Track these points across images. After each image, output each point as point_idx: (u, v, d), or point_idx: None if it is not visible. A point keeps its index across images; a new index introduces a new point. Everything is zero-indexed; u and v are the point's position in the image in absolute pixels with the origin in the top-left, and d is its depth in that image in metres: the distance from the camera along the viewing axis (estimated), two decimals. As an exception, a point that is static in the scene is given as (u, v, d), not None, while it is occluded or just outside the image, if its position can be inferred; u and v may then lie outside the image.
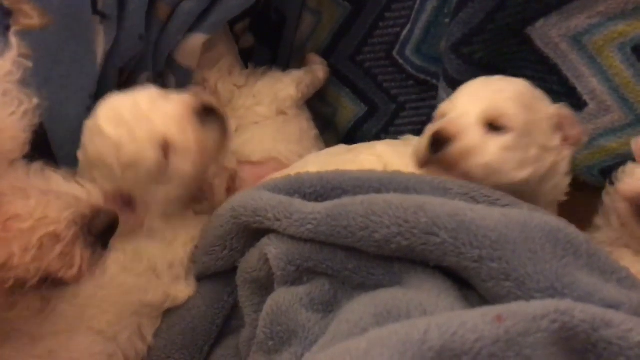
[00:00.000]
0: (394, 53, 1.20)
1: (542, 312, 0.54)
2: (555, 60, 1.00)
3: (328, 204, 0.76)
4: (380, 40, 1.21)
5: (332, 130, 1.32)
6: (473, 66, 1.03)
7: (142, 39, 1.02)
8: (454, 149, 0.80)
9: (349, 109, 1.29)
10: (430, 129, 0.84)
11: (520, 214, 0.70)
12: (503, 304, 0.58)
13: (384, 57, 1.21)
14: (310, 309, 0.74)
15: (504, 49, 1.03)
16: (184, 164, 0.83)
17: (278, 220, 0.76)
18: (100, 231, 0.64)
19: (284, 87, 1.20)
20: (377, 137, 1.24)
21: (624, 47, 0.95)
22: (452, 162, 0.80)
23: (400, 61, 1.20)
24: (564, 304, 0.55)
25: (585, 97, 0.99)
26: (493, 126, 0.81)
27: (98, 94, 0.94)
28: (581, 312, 0.54)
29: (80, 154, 0.86)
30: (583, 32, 0.97)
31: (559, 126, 0.87)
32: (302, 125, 1.22)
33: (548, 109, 0.87)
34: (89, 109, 0.93)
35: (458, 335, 0.53)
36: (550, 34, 0.99)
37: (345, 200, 0.76)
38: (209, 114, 0.85)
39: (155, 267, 0.84)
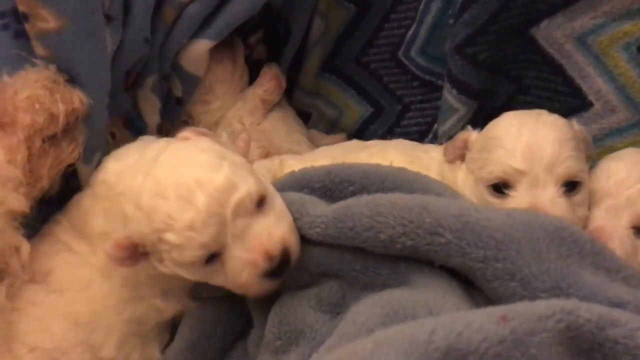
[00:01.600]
0: (399, 54, 1.20)
1: (547, 311, 0.54)
2: (560, 60, 1.00)
3: (335, 207, 0.76)
4: (386, 41, 1.21)
5: (337, 132, 1.32)
6: (477, 67, 1.03)
7: (147, 42, 1.02)
8: None
9: (355, 111, 1.29)
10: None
11: (524, 214, 0.71)
12: (508, 304, 0.58)
13: (389, 58, 1.21)
14: (318, 309, 0.75)
15: (508, 49, 1.03)
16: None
17: None
18: None
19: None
20: (383, 138, 1.24)
21: (630, 47, 0.94)
22: None
23: (406, 62, 1.20)
24: (570, 303, 0.55)
25: (591, 98, 0.99)
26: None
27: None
28: (587, 311, 0.54)
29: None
30: (588, 32, 0.97)
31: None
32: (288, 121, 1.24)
33: None
34: (107, 106, 0.95)
35: (464, 335, 0.53)
36: (555, 34, 0.99)
37: (351, 201, 0.76)
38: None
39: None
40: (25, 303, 0.82)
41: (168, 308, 0.86)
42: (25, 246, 0.82)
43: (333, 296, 0.76)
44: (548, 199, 0.80)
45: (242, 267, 0.71)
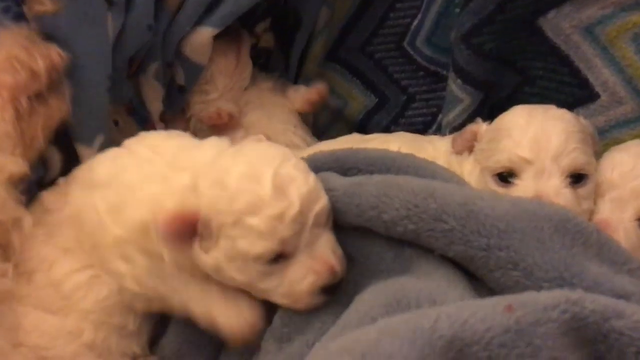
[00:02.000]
0: (405, 44, 1.20)
1: (552, 302, 0.54)
2: (567, 51, 1.00)
3: (346, 181, 0.77)
4: (391, 31, 1.20)
5: (343, 122, 1.32)
6: (482, 57, 1.03)
7: (150, 28, 1.02)
8: None
9: (359, 101, 1.28)
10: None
11: (530, 203, 0.71)
12: (513, 294, 0.58)
13: (394, 48, 1.21)
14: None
15: (515, 40, 1.02)
16: None
17: None
18: None
19: None
20: (388, 128, 1.24)
21: (638, 38, 0.93)
22: None
23: (411, 52, 1.19)
24: (575, 294, 0.55)
25: (598, 89, 0.99)
26: None
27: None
28: (592, 302, 0.54)
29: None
30: (596, 23, 0.96)
31: None
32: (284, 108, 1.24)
33: None
34: (108, 90, 0.94)
35: (468, 324, 0.53)
36: (562, 25, 0.98)
37: (363, 178, 0.77)
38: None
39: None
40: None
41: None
42: (27, 219, 0.81)
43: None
44: (552, 189, 0.80)
45: (305, 275, 0.71)
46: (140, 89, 1.12)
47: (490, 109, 1.09)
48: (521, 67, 1.05)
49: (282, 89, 1.28)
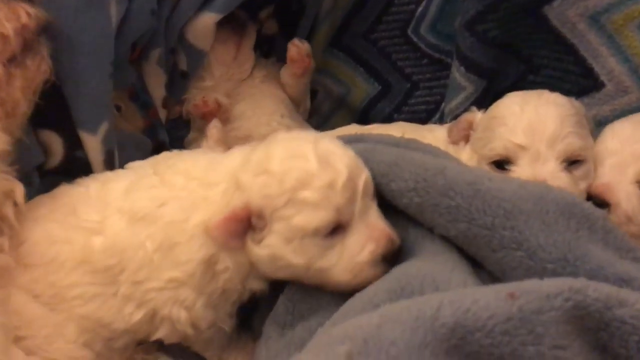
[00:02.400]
0: (409, 31, 1.19)
1: (555, 290, 0.54)
2: (572, 40, 0.99)
3: (360, 147, 0.77)
4: (395, 17, 1.20)
5: (345, 110, 1.31)
6: (487, 44, 1.02)
7: (154, 14, 1.01)
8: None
9: (362, 88, 1.28)
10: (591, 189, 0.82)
11: (537, 186, 0.71)
12: (516, 282, 0.58)
13: (398, 35, 1.20)
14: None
15: (519, 28, 1.01)
16: None
17: None
18: None
19: None
20: (390, 116, 1.24)
21: (645, 27, 0.93)
22: None
23: (415, 39, 1.19)
24: (578, 282, 0.55)
25: (603, 78, 0.98)
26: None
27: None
28: (595, 290, 0.54)
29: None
30: (602, 11, 0.95)
31: None
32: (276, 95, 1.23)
33: None
34: (111, 76, 0.94)
35: (471, 312, 0.53)
36: (568, 13, 0.97)
37: (377, 146, 0.78)
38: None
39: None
40: None
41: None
42: (19, 189, 0.79)
43: None
44: (549, 173, 0.80)
45: (365, 244, 0.71)
46: (143, 75, 1.11)
47: (493, 98, 1.08)
48: (526, 55, 1.05)
49: (276, 76, 1.27)
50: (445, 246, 0.72)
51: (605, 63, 0.97)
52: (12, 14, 0.81)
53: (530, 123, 0.83)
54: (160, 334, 0.79)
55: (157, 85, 1.12)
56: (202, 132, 1.18)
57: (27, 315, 0.77)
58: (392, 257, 0.72)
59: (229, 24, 1.17)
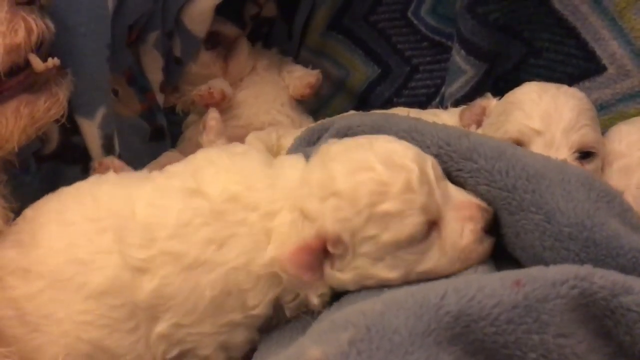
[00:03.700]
0: (409, 13, 1.18)
1: (561, 277, 0.54)
2: (575, 22, 0.98)
3: (377, 116, 0.77)
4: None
5: (344, 93, 1.30)
6: (488, 27, 1.01)
7: (151, -4, 1.00)
8: None
9: (362, 71, 1.26)
10: None
11: (560, 162, 0.72)
12: (522, 269, 0.57)
13: (398, 17, 1.19)
14: None
15: (521, 10, 1.00)
16: None
17: None
18: None
19: None
20: (390, 100, 1.23)
21: (647, 9, 0.92)
22: None
23: (415, 22, 1.17)
24: (584, 269, 0.55)
25: (605, 61, 0.97)
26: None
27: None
28: (601, 278, 0.54)
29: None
30: (604, -7, 0.94)
31: None
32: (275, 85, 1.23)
33: None
34: (107, 59, 0.92)
35: (476, 300, 0.53)
36: (570, -5, 0.96)
37: (395, 115, 0.77)
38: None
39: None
40: None
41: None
42: None
43: None
44: (561, 159, 0.79)
45: (463, 226, 0.67)
46: (140, 58, 1.10)
47: (494, 81, 1.08)
48: (527, 38, 1.04)
49: (278, 66, 1.26)
50: None
51: (607, 46, 0.96)
52: (12, 30, 0.77)
53: (547, 110, 0.83)
54: None
55: (154, 69, 1.11)
56: (201, 115, 1.18)
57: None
58: (490, 227, 0.68)
59: (214, 50, 1.18)
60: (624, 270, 0.59)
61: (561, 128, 0.81)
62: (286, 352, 0.56)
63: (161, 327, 0.70)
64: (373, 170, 0.66)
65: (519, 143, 0.83)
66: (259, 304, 0.69)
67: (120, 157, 0.99)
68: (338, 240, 0.66)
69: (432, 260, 0.67)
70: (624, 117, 0.95)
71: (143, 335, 0.72)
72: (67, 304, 0.71)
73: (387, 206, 0.65)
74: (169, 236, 0.70)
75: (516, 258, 0.70)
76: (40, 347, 0.72)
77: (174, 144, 1.20)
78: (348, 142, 0.73)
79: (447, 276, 0.66)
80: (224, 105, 1.16)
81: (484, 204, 0.68)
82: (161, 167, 1.05)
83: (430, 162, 0.69)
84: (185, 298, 0.69)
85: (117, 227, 0.72)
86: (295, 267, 0.66)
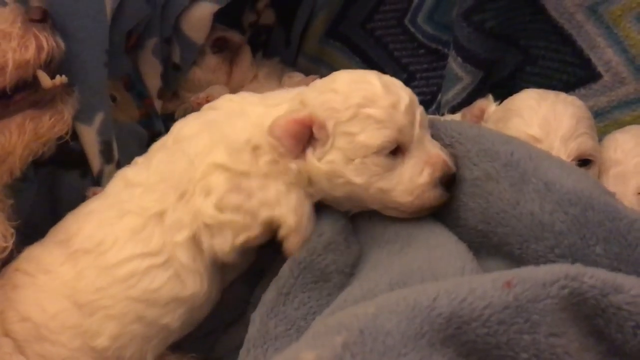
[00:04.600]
0: (406, 21, 1.18)
1: (552, 277, 0.54)
2: (570, 30, 0.98)
3: None
4: (392, 7, 1.19)
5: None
6: (484, 35, 1.02)
7: (149, 2, 1.01)
8: None
9: (359, 79, 1.27)
10: None
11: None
12: (513, 270, 0.58)
13: (395, 24, 1.20)
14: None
15: (517, 18, 1.01)
16: None
17: None
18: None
19: None
20: (386, 106, 1.23)
21: (642, 17, 0.93)
22: None
23: (412, 29, 1.18)
24: (574, 269, 0.55)
25: (600, 69, 0.98)
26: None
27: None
28: (591, 277, 0.54)
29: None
30: (600, 2, 0.95)
31: None
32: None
33: None
34: (105, 65, 0.93)
35: (467, 302, 0.53)
36: (566, 3, 0.97)
37: None
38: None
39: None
40: (37, 269, 0.79)
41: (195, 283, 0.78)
42: None
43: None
44: None
45: (423, 167, 0.74)
46: (139, 64, 1.10)
47: (491, 89, 1.08)
48: (523, 45, 1.05)
49: (279, 75, 1.28)
50: (444, 236, 0.73)
51: (603, 54, 0.97)
52: (23, 46, 0.79)
53: (546, 117, 0.84)
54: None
55: (152, 75, 1.11)
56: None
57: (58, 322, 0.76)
58: (448, 182, 0.75)
59: (221, 54, 1.19)
60: (619, 233, 0.63)
61: (560, 136, 0.82)
62: (280, 356, 0.56)
63: (168, 215, 0.77)
64: (371, 84, 0.75)
65: None
66: (234, 141, 0.76)
67: (118, 162, 0.99)
68: (323, 126, 0.74)
69: (391, 182, 0.74)
70: (620, 124, 0.95)
71: (171, 250, 0.76)
72: (110, 265, 0.77)
73: (372, 111, 0.73)
74: (160, 143, 0.84)
75: (507, 236, 0.70)
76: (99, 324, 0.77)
77: (171, 150, 1.20)
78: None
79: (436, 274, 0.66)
80: None
81: (450, 162, 0.75)
82: None
83: (420, 109, 0.77)
84: (173, 167, 0.78)
85: (123, 185, 0.82)
86: (282, 131, 0.73)
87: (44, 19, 0.82)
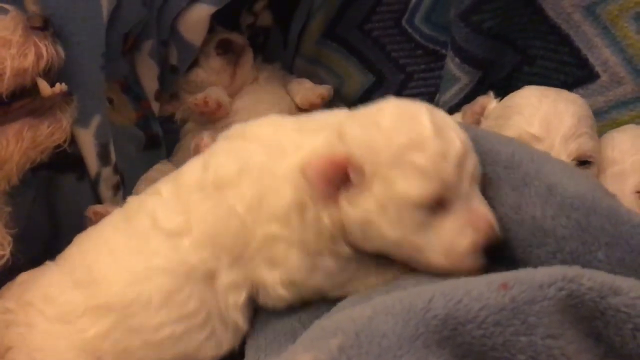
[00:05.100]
0: (403, 22, 1.18)
1: (549, 279, 0.53)
2: (568, 30, 0.98)
3: None
4: (389, 8, 1.19)
5: (339, 101, 1.31)
6: (481, 35, 1.02)
7: (145, 4, 1.01)
8: None
9: (357, 80, 1.27)
10: None
11: None
12: (509, 272, 0.57)
13: (392, 25, 1.20)
14: None
15: (515, 18, 1.01)
16: None
17: None
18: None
19: None
20: (385, 107, 1.23)
21: (639, 17, 0.92)
22: None
23: (409, 30, 1.18)
24: (572, 270, 0.55)
25: (598, 69, 0.97)
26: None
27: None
28: (589, 279, 0.54)
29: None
30: (597, 2, 0.94)
31: None
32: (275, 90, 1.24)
33: None
34: (102, 67, 0.93)
35: (462, 303, 0.53)
36: (563, 3, 0.97)
37: None
38: None
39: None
40: (55, 315, 0.72)
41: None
42: None
43: None
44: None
45: (465, 229, 0.65)
46: (135, 67, 1.10)
47: (488, 89, 1.08)
48: (521, 46, 1.04)
49: (280, 79, 1.28)
50: None
51: (600, 54, 0.97)
52: (22, 53, 0.78)
53: (547, 116, 0.83)
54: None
55: (149, 78, 1.11)
56: (198, 123, 1.19)
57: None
58: (493, 251, 0.65)
59: (225, 55, 1.19)
60: (622, 238, 0.61)
61: (560, 135, 0.81)
62: (277, 359, 0.57)
63: (222, 277, 0.70)
64: (421, 125, 0.65)
65: None
66: (280, 206, 0.68)
67: (115, 165, 0.99)
68: (360, 169, 0.65)
69: (426, 240, 0.65)
70: (617, 124, 0.95)
71: (213, 306, 0.71)
72: (141, 328, 0.70)
73: (417, 158, 0.63)
74: (196, 178, 0.72)
75: (509, 241, 0.69)
76: None
77: (169, 152, 1.20)
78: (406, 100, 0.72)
79: (434, 279, 0.65)
80: (220, 114, 1.16)
81: (497, 227, 0.66)
82: (152, 182, 1.06)
83: (474, 159, 0.67)
84: (226, 226, 0.69)
85: (150, 224, 0.73)
86: (315, 173, 0.64)
87: (45, 27, 0.82)
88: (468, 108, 0.94)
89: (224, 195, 0.70)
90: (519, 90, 0.89)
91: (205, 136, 1.01)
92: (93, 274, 0.72)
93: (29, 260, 0.81)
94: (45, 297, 0.73)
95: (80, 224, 0.98)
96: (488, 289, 0.53)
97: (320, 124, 0.71)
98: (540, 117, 0.83)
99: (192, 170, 0.75)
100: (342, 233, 0.68)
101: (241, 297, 0.71)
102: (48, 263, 0.78)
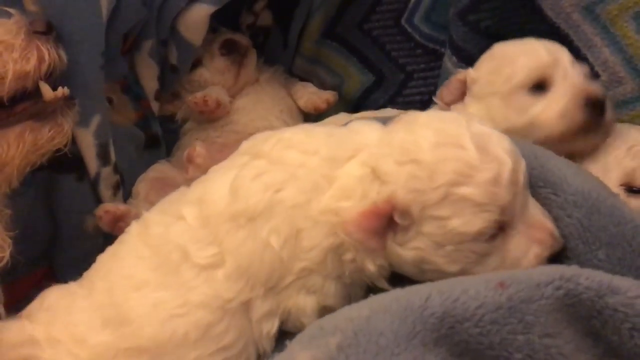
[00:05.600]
0: (403, 21, 1.18)
1: (546, 279, 0.54)
2: (567, 30, 0.98)
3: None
4: (389, 7, 1.19)
5: (339, 100, 1.30)
6: (479, 35, 1.01)
7: (145, 4, 1.01)
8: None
9: (356, 79, 1.27)
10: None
11: None
12: (508, 271, 0.58)
13: (392, 25, 1.19)
14: None
15: (513, 18, 1.01)
16: None
17: None
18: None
19: None
20: (385, 107, 1.23)
21: (639, 17, 0.92)
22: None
23: (409, 29, 1.18)
24: (570, 270, 0.55)
25: (597, 69, 0.97)
26: None
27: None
28: (587, 279, 0.54)
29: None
30: (596, 1, 0.94)
31: None
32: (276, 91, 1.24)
33: None
34: (102, 67, 0.93)
35: (460, 301, 0.53)
36: (562, 3, 0.97)
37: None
38: None
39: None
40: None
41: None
42: None
43: None
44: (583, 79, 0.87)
45: (529, 246, 0.61)
46: (135, 66, 1.11)
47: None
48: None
49: (282, 81, 1.28)
50: None
51: (600, 54, 0.96)
52: (24, 57, 0.78)
53: (548, 46, 0.89)
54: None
55: (149, 77, 1.11)
56: (198, 122, 1.19)
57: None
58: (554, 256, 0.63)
59: (230, 56, 1.19)
60: (623, 238, 0.61)
61: (567, 58, 0.88)
62: (276, 357, 0.57)
63: (256, 307, 0.67)
64: (464, 149, 0.60)
65: (539, 83, 0.87)
66: (313, 247, 0.65)
67: (115, 165, 1.00)
68: (406, 212, 0.61)
69: (490, 267, 0.62)
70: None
71: (249, 336, 0.68)
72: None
73: (468, 191, 0.59)
74: (227, 206, 0.68)
75: None
76: None
77: (169, 152, 1.21)
78: (441, 113, 0.71)
79: None
80: (219, 113, 1.16)
81: (557, 234, 0.63)
82: (151, 181, 1.06)
83: (523, 165, 0.62)
84: (260, 260, 0.66)
85: (180, 257, 0.69)
86: (362, 232, 0.61)
87: (48, 31, 0.82)
88: (444, 89, 0.95)
89: (257, 227, 0.67)
90: (501, 43, 0.93)
91: (199, 146, 1.01)
92: (123, 312, 0.68)
93: (29, 260, 0.81)
94: (75, 337, 0.68)
95: (80, 224, 0.98)
96: (485, 288, 0.53)
97: (347, 147, 0.67)
98: (544, 47, 0.88)
99: (219, 197, 0.70)
100: (387, 273, 0.66)
101: (274, 325, 0.69)
102: (72, 284, 0.74)
